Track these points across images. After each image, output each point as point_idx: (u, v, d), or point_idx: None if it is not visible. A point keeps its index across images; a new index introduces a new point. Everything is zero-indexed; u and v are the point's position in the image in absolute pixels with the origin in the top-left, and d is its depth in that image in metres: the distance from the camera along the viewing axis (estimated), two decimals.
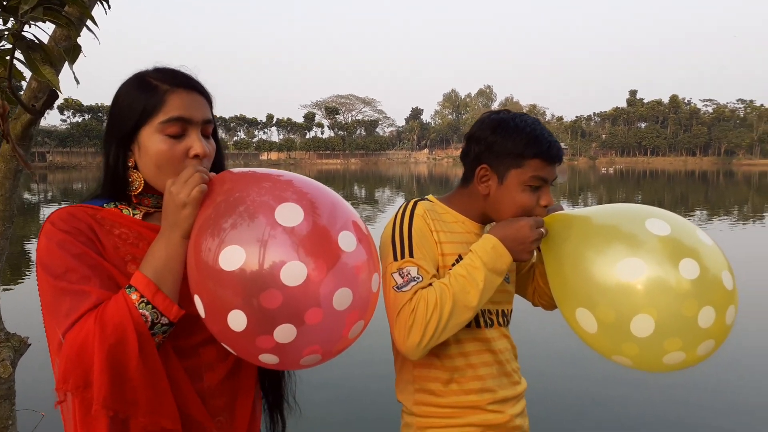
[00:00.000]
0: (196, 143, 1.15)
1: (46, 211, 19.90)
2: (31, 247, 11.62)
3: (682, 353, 1.29)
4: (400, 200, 25.91)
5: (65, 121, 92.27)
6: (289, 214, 1.01)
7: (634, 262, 1.29)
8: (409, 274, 1.40)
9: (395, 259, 1.44)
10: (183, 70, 1.20)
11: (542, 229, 1.45)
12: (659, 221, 1.35)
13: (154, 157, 1.14)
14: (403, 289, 1.38)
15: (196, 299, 1.03)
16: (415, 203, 1.55)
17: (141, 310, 1.02)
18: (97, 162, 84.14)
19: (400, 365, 1.60)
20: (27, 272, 9.28)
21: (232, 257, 0.98)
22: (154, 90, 1.14)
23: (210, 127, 1.20)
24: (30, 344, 1.92)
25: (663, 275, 1.26)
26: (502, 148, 1.49)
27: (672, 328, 1.26)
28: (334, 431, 4.05)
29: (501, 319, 1.60)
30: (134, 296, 1.02)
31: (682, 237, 1.33)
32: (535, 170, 1.48)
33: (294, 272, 0.97)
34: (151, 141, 1.14)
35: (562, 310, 1.44)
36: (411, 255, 1.43)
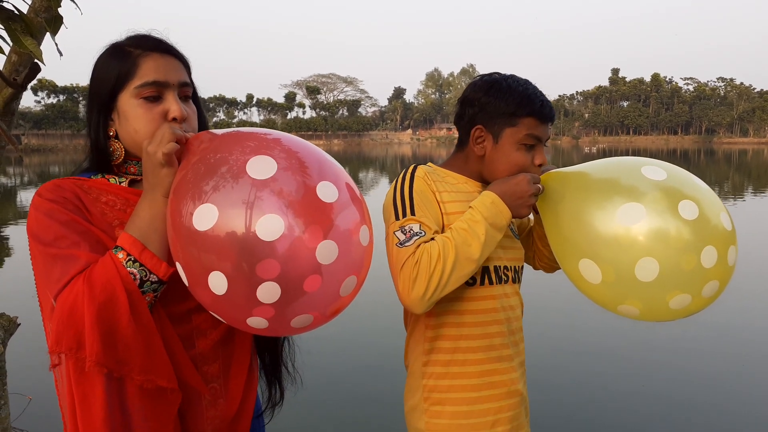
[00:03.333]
0: (173, 105, 1.14)
1: (22, 195, 19.57)
2: (9, 231, 11.43)
3: (688, 295, 1.28)
4: (384, 182, 25.87)
5: (39, 102, 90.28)
6: (262, 167, 0.97)
7: (633, 206, 1.29)
8: (411, 230, 1.42)
9: (397, 218, 1.46)
10: (154, 34, 1.19)
11: (539, 185, 1.49)
12: (655, 167, 1.37)
13: (132, 122, 1.14)
14: (406, 245, 1.40)
15: (178, 266, 1.01)
16: (415, 167, 1.58)
17: (129, 268, 1.02)
18: (74, 144, 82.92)
19: (412, 326, 1.62)
20: (6, 257, 9.13)
21: (206, 216, 0.94)
22: (127, 56, 1.14)
23: (188, 90, 1.20)
24: (20, 324, 1.88)
25: (663, 218, 1.27)
26: (496, 108, 1.53)
27: (676, 270, 1.26)
28: (335, 402, 4.05)
29: (514, 275, 1.62)
30: (121, 255, 1.03)
31: (679, 181, 1.34)
32: (529, 128, 1.52)
33: (270, 226, 0.93)
34: (129, 106, 1.14)
35: (564, 265, 1.45)
36: (413, 213, 1.45)
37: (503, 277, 1.58)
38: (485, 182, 1.62)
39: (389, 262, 1.44)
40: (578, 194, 1.41)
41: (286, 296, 0.96)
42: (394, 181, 1.56)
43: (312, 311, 1.00)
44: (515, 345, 1.61)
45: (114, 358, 0.99)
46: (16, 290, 6.27)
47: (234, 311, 0.99)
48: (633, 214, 1.29)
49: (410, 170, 1.56)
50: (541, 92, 1.55)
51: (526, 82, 1.56)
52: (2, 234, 10.79)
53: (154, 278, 1.04)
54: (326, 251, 0.96)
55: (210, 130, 1.12)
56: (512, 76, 1.57)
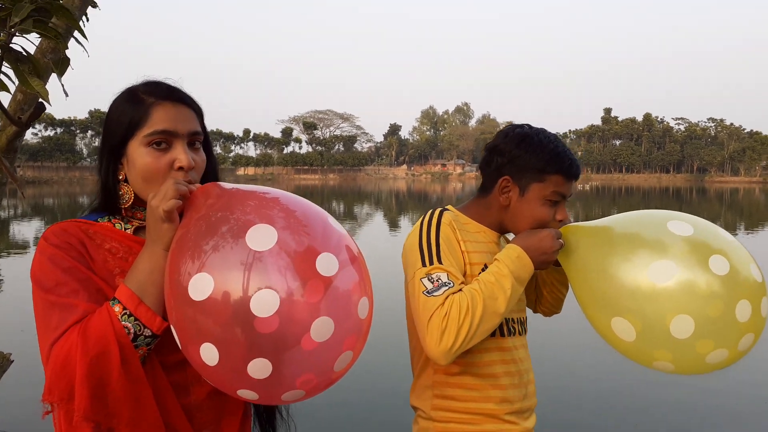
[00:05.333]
0: (181, 155, 1.15)
1: (16, 228, 19.47)
2: (2, 265, 11.34)
3: (725, 350, 1.28)
4: (379, 216, 25.94)
5: (36, 134, 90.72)
6: (262, 237, 0.94)
7: (664, 264, 1.30)
8: (439, 279, 1.42)
9: (423, 264, 1.46)
10: (168, 82, 1.22)
11: (561, 241, 1.50)
12: (681, 222, 1.37)
13: (141, 169, 1.15)
14: (434, 294, 1.39)
15: (172, 329, 1.00)
16: (441, 212, 1.58)
17: (123, 322, 1.02)
18: (69, 177, 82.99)
19: (420, 371, 1.62)
20: None
21: (201, 286, 0.93)
22: (140, 103, 1.16)
23: (198, 138, 1.21)
24: (13, 360, 1.87)
25: (695, 274, 1.27)
26: (526, 163, 1.54)
27: (711, 325, 1.26)
28: None
29: (520, 327, 1.63)
30: (117, 308, 1.03)
31: (706, 235, 1.34)
32: (556, 186, 1.54)
33: (265, 302, 0.90)
34: (138, 153, 1.15)
35: (595, 322, 1.44)
36: (440, 261, 1.45)
37: (512, 329, 1.59)
38: (502, 231, 1.64)
39: (414, 308, 1.44)
40: (604, 250, 1.41)
41: (278, 372, 0.93)
42: (419, 223, 1.57)
43: (304, 387, 0.98)
44: (529, 397, 1.62)
45: (103, 411, 0.99)
46: (9, 325, 6.19)
47: (225, 381, 0.98)
48: (665, 271, 1.29)
49: (436, 215, 1.57)
50: (569, 150, 1.57)
51: (556, 138, 1.58)
52: None
53: (148, 332, 1.04)
54: (322, 328, 0.93)
55: (218, 183, 1.12)
56: (543, 131, 1.59)
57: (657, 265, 1.30)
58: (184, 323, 0.96)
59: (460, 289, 1.41)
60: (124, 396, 1.00)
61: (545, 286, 1.75)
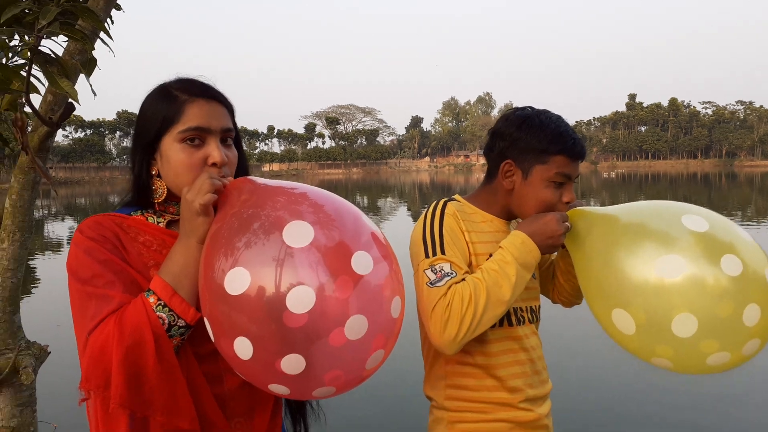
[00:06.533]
0: (214, 151, 1.17)
1: (50, 227, 19.96)
2: (37, 263, 11.66)
3: (727, 353, 1.23)
4: (403, 209, 25.90)
5: (67, 136, 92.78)
6: (299, 234, 0.94)
7: (673, 259, 1.24)
8: (442, 270, 1.42)
9: (427, 256, 1.46)
10: (201, 79, 1.24)
11: (568, 224, 1.47)
12: (696, 217, 1.31)
13: (174, 165, 1.17)
14: (437, 285, 1.39)
15: (206, 321, 1.02)
16: (445, 203, 1.57)
17: (158, 313, 1.04)
18: (100, 177, 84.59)
19: (432, 361, 1.62)
20: (35, 286, 9.31)
21: (238, 280, 0.93)
22: (174, 100, 1.18)
23: (230, 134, 1.23)
24: (50, 352, 1.94)
25: (704, 272, 1.22)
26: (527, 144, 1.52)
27: (715, 327, 1.21)
28: None
29: (531, 316, 1.62)
30: (152, 299, 1.06)
31: (721, 233, 1.28)
32: (559, 167, 1.50)
33: (301, 298, 0.90)
34: (172, 150, 1.17)
35: (595, 311, 1.41)
36: (443, 252, 1.45)
37: (521, 318, 1.58)
38: (511, 217, 1.62)
39: (418, 300, 1.44)
40: (613, 238, 1.36)
41: (310, 369, 0.94)
42: (423, 216, 1.56)
43: (335, 383, 0.98)
44: (542, 384, 1.61)
45: (138, 400, 1.02)
46: (46, 321, 6.38)
47: (257, 375, 0.99)
48: (672, 266, 1.23)
49: (440, 206, 1.55)
50: (572, 130, 1.53)
51: (558, 118, 1.54)
52: (31, 265, 11.01)
53: (181, 323, 1.06)
54: (356, 326, 0.94)
55: (250, 177, 1.14)
56: (545, 112, 1.56)
57: (665, 259, 1.25)
58: (219, 317, 0.97)
59: (464, 279, 1.41)
60: (158, 385, 1.03)
61: (562, 274, 1.72)
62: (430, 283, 1.40)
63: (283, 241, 0.94)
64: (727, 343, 1.22)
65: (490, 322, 1.39)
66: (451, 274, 1.41)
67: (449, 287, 1.38)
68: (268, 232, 0.96)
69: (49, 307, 7.47)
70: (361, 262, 0.96)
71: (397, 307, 1.02)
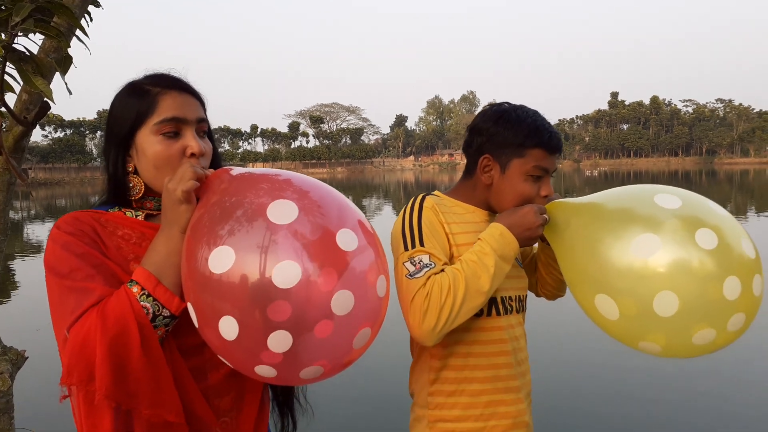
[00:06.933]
0: (191, 141, 1.17)
1: (29, 229, 19.66)
2: (16, 266, 11.47)
3: (712, 330, 1.22)
4: (388, 208, 25.92)
5: (47, 136, 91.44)
6: (283, 211, 0.95)
7: (648, 237, 1.24)
8: (421, 261, 1.42)
9: (406, 248, 1.47)
10: (172, 72, 1.23)
11: (545, 216, 1.49)
12: (668, 195, 1.31)
13: (152, 158, 1.16)
14: (416, 276, 1.40)
15: (189, 307, 1.01)
16: (424, 197, 1.58)
17: (142, 303, 1.03)
18: (80, 177, 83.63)
19: (417, 354, 1.62)
20: (13, 290, 9.16)
21: (222, 259, 0.93)
22: (146, 93, 1.18)
23: (204, 126, 1.23)
24: (27, 357, 1.90)
25: (680, 248, 1.21)
26: (504, 139, 1.54)
27: (697, 303, 1.20)
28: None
29: (518, 305, 1.62)
30: (135, 289, 1.04)
31: (695, 209, 1.29)
32: (537, 160, 1.52)
33: (287, 273, 0.90)
34: (148, 143, 1.16)
35: (580, 299, 1.41)
36: (422, 244, 1.46)
37: (508, 307, 1.58)
38: (492, 211, 1.63)
39: (398, 292, 1.44)
40: (590, 225, 1.37)
41: (297, 346, 0.93)
42: (402, 211, 1.57)
43: (323, 362, 0.98)
44: (522, 376, 1.61)
45: (123, 392, 1.00)
46: (24, 324, 6.28)
47: (243, 358, 0.98)
48: (648, 245, 1.23)
49: (418, 200, 1.57)
50: (549, 124, 1.55)
51: (535, 113, 1.56)
52: (10, 268, 10.83)
53: (166, 313, 1.05)
54: (342, 301, 0.94)
55: (228, 168, 1.13)
56: (521, 107, 1.57)
57: (640, 239, 1.25)
58: (203, 300, 0.96)
59: (443, 270, 1.42)
60: (143, 377, 1.01)
61: (543, 267, 1.73)
62: (410, 275, 1.41)
63: (268, 218, 0.94)
64: (711, 319, 1.21)
65: (470, 312, 1.40)
66: (430, 265, 1.42)
67: (428, 278, 1.39)
68: (252, 212, 0.95)
69: (27, 310, 7.35)
70: (347, 240, 0.97)
71: (383, 287, 1.02)
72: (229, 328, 0.94)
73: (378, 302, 1.02)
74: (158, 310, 1.04)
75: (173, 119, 1.16)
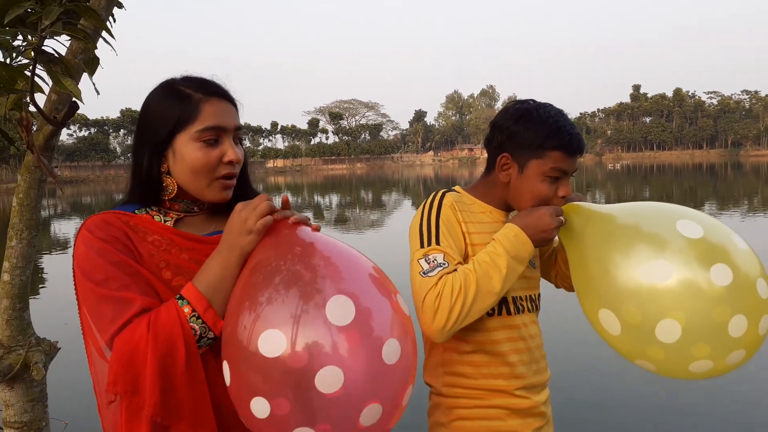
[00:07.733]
0: (229, 150, 1.19)
1: (56, 226, 20.06)
2: (44, 262, 11.73)
3: (710, 362, 1.23)
4: (407, 203, 25.90)
5: (72, 135, 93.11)
6: (341, 311, 0.95)
7: (662, 264, 1.24)
8: (435, 260, 1.43)
9: (422, 246, 1.47)
10: (214, 79, 1.24)
11: (561, 218, 1.48)
12: (691, 223, 1.29)
13: (190, 163, 1.17)
14: (429, 275, 1.41)
15: (225, 365, 1.01)
16: (444, 193, 1.58)
17: (191, 324, 1.05)
18: (105, 175, 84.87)
19: (430, 348, 1.64)
20: (42, 285, 9.38)
21: (272, 342, 0.93)
22: (187, 99, 1.18)
23: (240, 133, 1.25)
24: (60, 348, 1.97)
25: (693, 279, 1.21)
26: (524, 139, 1.52)
27: (700, 334, 1.21)
28: None
29: (530, 305, 1.63)
30: (186, 309, 1.06)
31: (715, 240, 1.27)
32: (555, 162, 1.50)
33: (330, 378, 0.91)
34: (188, 148, 1.17)
35: (585, 308, 1.42)
36: (438, 243, 1.46)
37: (520, 307, 1.59)
38: (509, 209, 1.63)
39: (412, 288, 1.45)
40: (606, 237, 1.36)
41: None
42: (422, 206, 1.57)
43: None
44: (540, 372, 1.62)
45: (166, 409, 1.02)
46: (54, 319, 6.44)
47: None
48: (661, 271, 1.23)
49: (438, 197, 1.57)
50: (571, 124, 1.53)
51: (558, 113, 1.54)
52: (38, 264, 11.09)
53: (210, 335, 1.07)
54: (370, 415, 0.95)
55: (287, 214, 1.12)
56: (545, 106, 1.55)
57: (654, 264, 1.25)
58: (242, 372, 0.97)
59: (456, 270, 1.43)
60: (186, 395, 1.04)
61: (563, 261, 1.73)
62: (423, 273, 1.42)
63: (326, 316, 0.94)
64: (711, 352, 1.22)
65: (480, 312, 1.42)
66: (444, 264, 1.43)
67: (440, 277, 1.40)
68: (310, 299, 0.96)
69: (56, 305, 7.53)
70: (391, 352, 0.97)
71: (407, 397, 1.04)
72: (260, 408, 0.95)
73: (398, 411, 1.03)
74: (204, 332, 1.07)
75: (215, 128, 1.17)
